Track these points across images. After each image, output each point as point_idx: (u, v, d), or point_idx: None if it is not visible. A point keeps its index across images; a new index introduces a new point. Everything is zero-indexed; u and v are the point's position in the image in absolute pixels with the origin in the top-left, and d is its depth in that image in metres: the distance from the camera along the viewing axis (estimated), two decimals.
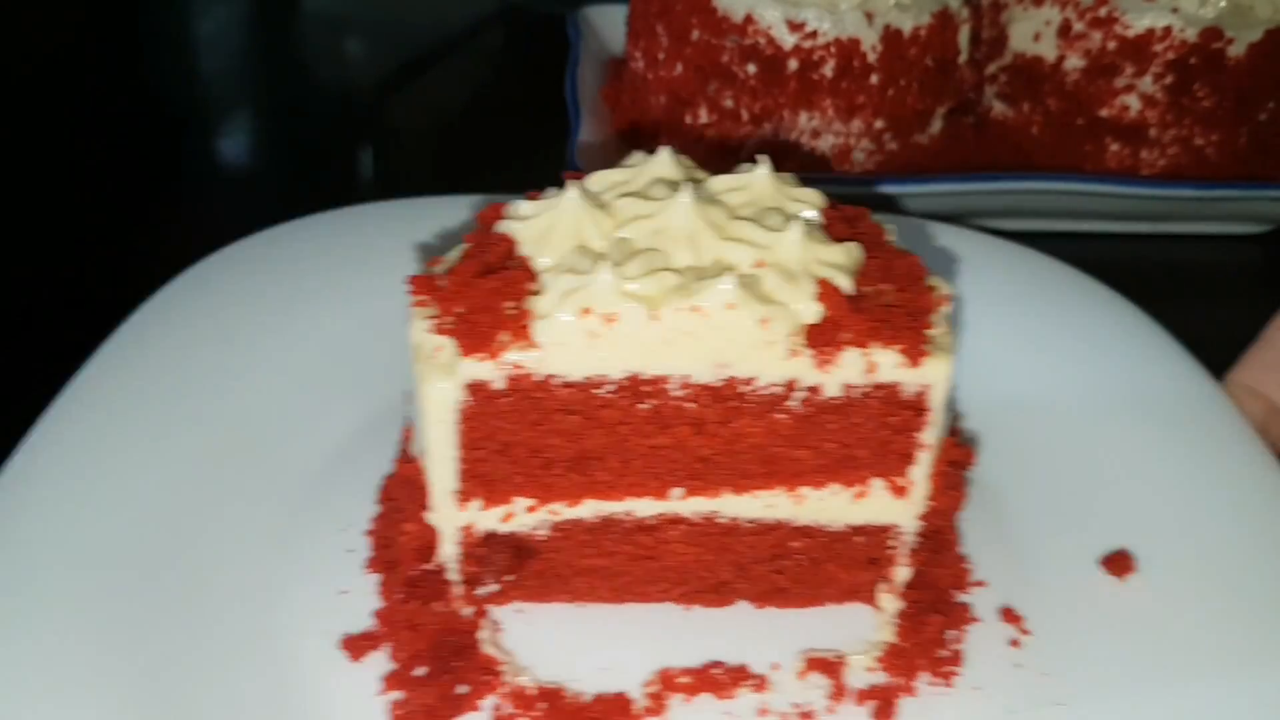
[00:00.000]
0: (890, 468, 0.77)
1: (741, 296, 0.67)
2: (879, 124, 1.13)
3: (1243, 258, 1.18)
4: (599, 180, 0.73)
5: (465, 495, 0.75)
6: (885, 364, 0.71)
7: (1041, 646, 0.75)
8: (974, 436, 0.90)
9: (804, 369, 0.71)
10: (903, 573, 0.80)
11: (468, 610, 0.78)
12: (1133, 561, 0.80)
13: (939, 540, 0.79)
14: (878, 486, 0.78)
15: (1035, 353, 0.94)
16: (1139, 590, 0.79)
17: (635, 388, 0.72)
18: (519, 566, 0.80)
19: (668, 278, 0.67)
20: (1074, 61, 1.13)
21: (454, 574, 0.78)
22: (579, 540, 0.79)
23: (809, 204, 0.73)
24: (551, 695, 0.73)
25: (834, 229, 0.73)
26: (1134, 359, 0.92)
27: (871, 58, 1.10)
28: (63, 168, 1.27)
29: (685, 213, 0.68)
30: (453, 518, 0.76)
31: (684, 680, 0.74)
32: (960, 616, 0.78)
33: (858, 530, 0.80)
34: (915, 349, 0.71)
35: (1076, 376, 0.92)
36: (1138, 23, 1.10)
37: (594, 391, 0.72)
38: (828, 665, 0.75)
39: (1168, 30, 1.09)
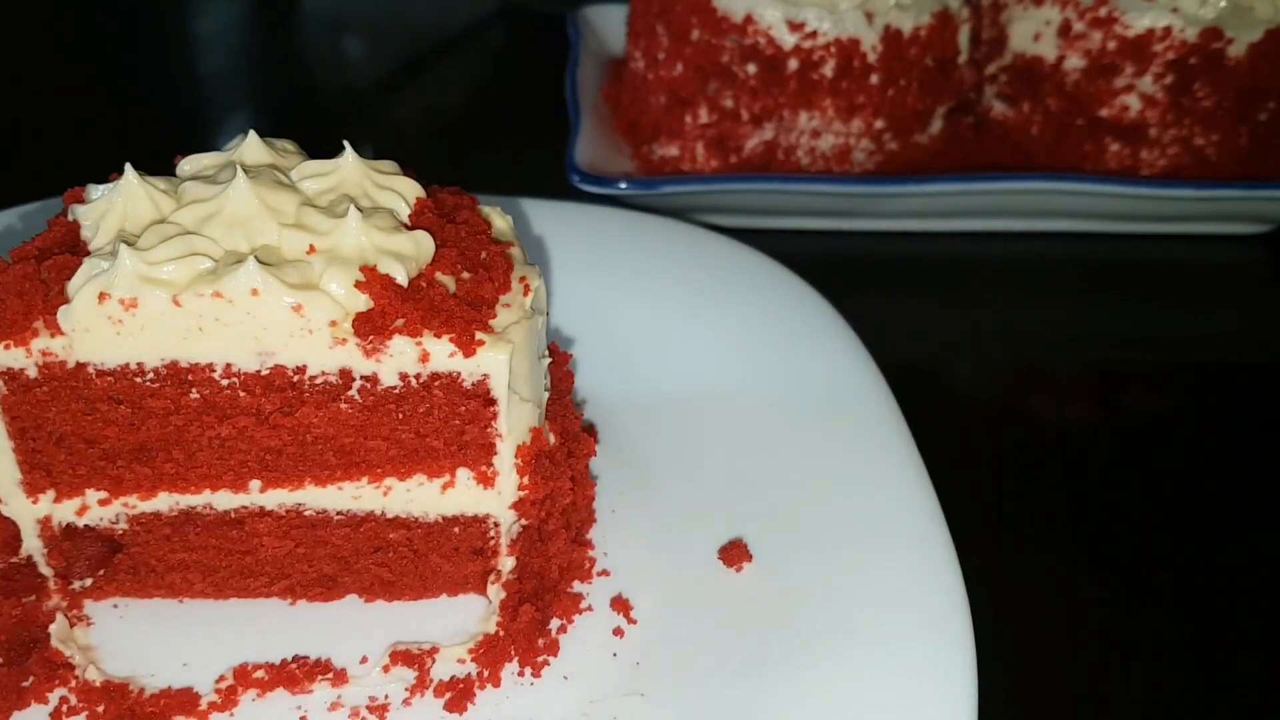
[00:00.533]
0: (472, 458, 0.76)
1: (269, 283, 0.65)
2: (879, 124, 1.13)
3: (1243, 258, 1.18)
4: (191, 163, 0.73)
5: (32, 487, 0.75)
6: (438, 353, 0.70)
7: (643, 636, 0.75)
8: (623, 426, 0.89)
9: (354, 358, 0.70)
10: (508, 563, 0.78)
11: (60, 604, 0.78)
12: (748, 552, 0.78)
13: (543, 531, 0.77)
14: (464, 477, 0.77)
15: (709, 344, 0.93)
16: (751, 581, 0.77)
17: (178, 376, 0.71)
18: (108, 561, 0.79)
19: (196, 263, 0.66)
20: (1074, 61, 1.13)
21: (44, 568, 0.78)
22: (162, 534, 0.78)
23: (399, 193, 0.72)
24: (117, 690, 0.72)
25: (421, 219, 0.72)
26: (808, 352, 0.90)
27: (872, 58, 1.10)
28: (62, 167, 1.26)
29: (241, 197, 0.67)
30: (26, 510, 0.76)
31: (259, 675, 0.74)
32: (569, 606, 0.77)
33: (451, 521, 0.79)
34: (468, 339, 0.70)
35: (745, 367, 0.91)
36: (1138, 23, 1.10)
37: (135, 380, 0.71)
38: (414, 658, 0.75)
39: (1168, 30, 1.09)
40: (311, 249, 0.67)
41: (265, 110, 1.49)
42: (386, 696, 0.73)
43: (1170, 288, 1.15)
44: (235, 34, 1.72)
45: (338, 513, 0.79)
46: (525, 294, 0.73)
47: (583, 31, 1.36)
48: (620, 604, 0.78)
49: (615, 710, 0.71)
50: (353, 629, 0.78)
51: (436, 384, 0.72)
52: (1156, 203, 1.10)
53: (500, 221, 0.77)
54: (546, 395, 0.78)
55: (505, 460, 0.75)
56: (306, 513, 0.78)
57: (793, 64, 1.10)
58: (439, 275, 0.71)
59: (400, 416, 0.73)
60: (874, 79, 1.11)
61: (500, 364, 0.71)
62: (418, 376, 0.71)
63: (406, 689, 0.73)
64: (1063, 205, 1.12)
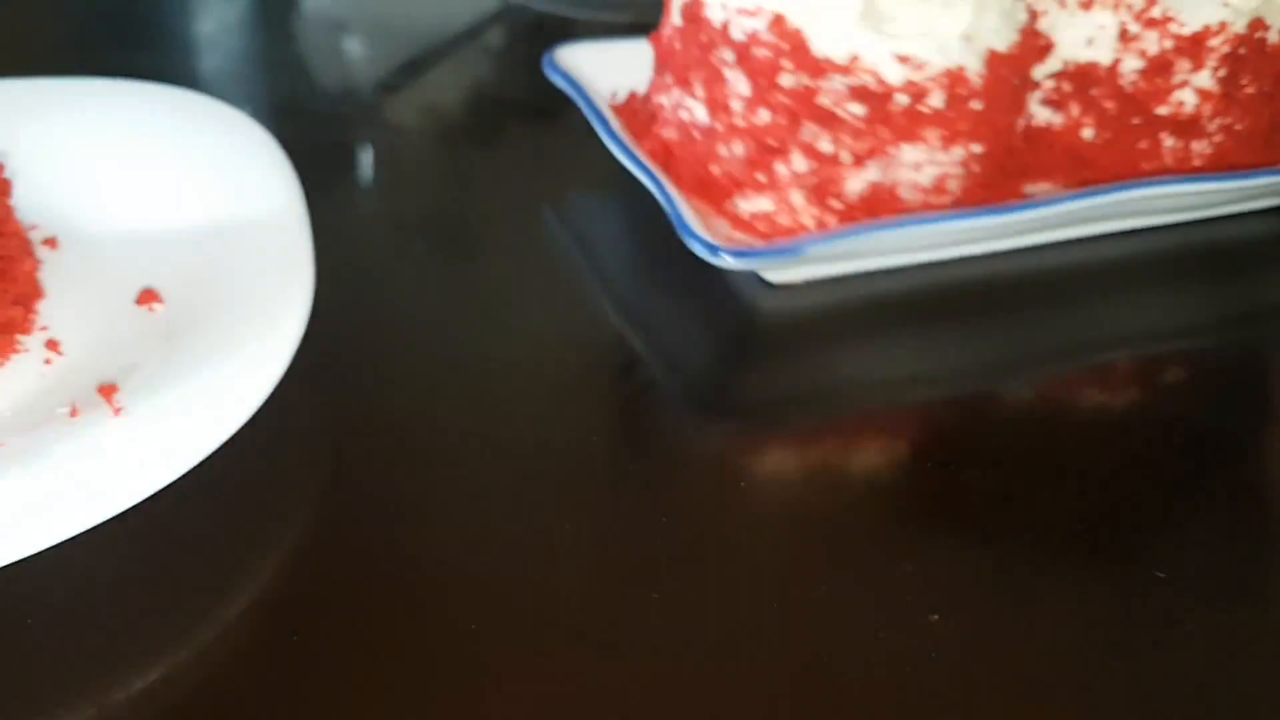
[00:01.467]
0: None
1: None
2: (975, 148, 1.09)
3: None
4: None
5: None
6: None
7: (67, 365, 0.97)
8: (84, 236, 1.11)
9: None
10: None
11: None
12: (159, 296, 1.03)
13: None
14: None
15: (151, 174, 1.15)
16: (157, 314, 1.02)
17: None
18: None
19: None
20: (1131, 63, 1.14)
21: None
22: None
23: None
24: None
25: None
26: (232, 173, 1.13)
27: (976, 83, 1.05)
28: None
29: None
30: None
31: None
32: (4, 347, 0.98)
33: None
34: None
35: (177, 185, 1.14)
36: (1193, 19, 1.13)
37: None
38: None
39: (1223, 25, 1.13)
40: None
41: (265, 110, 1.45)
42: None
43: (1214, 264, 1.20)
44: (235, 34, 1.71)
45: None
46: None
47: (576, 77, 1.23)
48: (52, 344, 1.00)
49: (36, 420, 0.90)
50: None
51: None
52: (1235, 193, 1.14)
53: None
54: None
55: None
56: None
57: (901, 99, 1.04)
58: None
59: None
60: (976, 104, 1.07)
61: None
62: None
63: None
64: (1147, 206, 1.14)
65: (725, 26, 1.07)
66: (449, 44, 1.66)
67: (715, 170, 1.11)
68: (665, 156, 1.14)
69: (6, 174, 1.13)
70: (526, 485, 0.90)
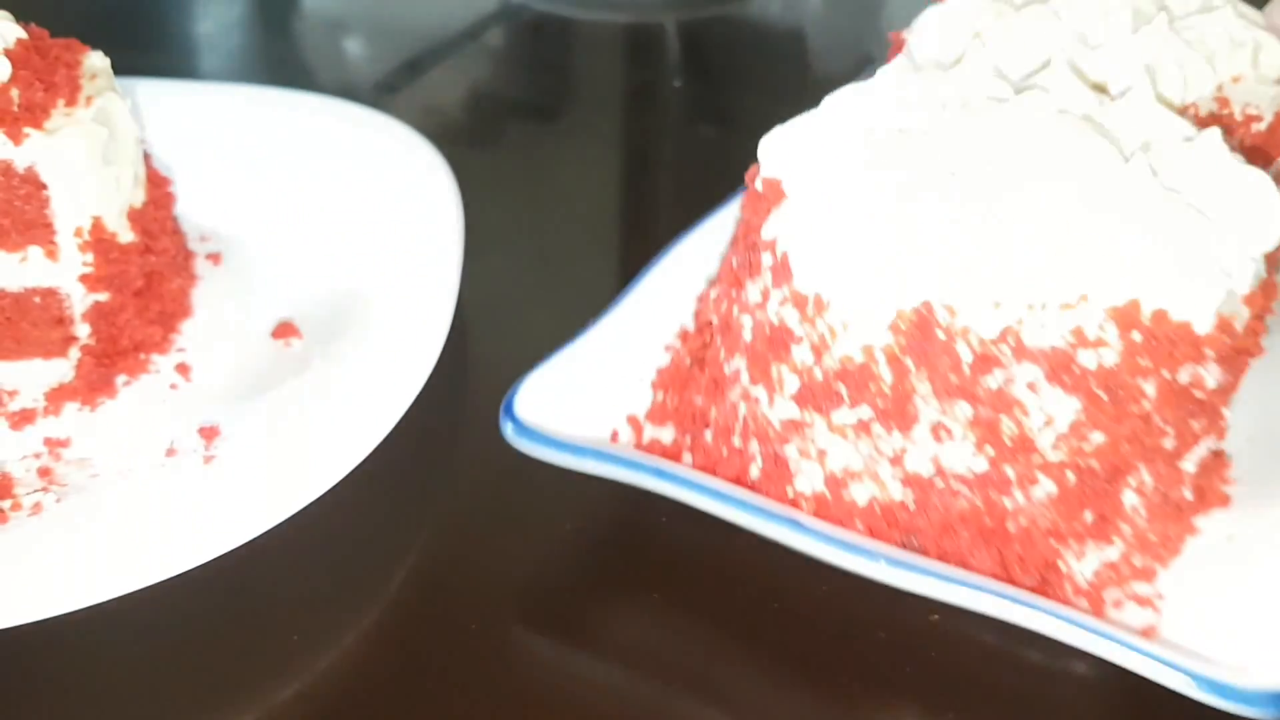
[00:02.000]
0: (37, 236, 1.01)
1: None
2: None
3: None
4: None
5: None
6: None
7: (194, 392, 1.03)
8: (244, 255, 1.18)
9: None
10: (84, 329, 1.04)
11: None
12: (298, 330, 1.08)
13: (113, 306, 1.04)
14: (35, 253, 1.02)
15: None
16: (295, 350, 1.07)
17: None
18: None
19: None
20: None
21: None
22: None
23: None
24: None
25: (12, 52, 0.99)
26: (396, 194, 1.18)
27: None
28: None
29: None
30: None
31: None
32: (135, 366, 1.05)
33: (32, 291, 1.04)
34: (17, 130, 0.96)
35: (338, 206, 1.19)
36: None
37: None
38: (2, 394, 1.02)
39: None
40: None
41: None
42: None
43: None
44: (235, 34, 1.72)
45: None
46: (86, 107, 1.00)
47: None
48: (182, 369, 1.05)
49: (163, 438, 0.96)
50: None
51: None
52: None
53: (99, 63, 1.04)
54: (126, 200, 1.05)
55: (66, 239, 1.01)
56: None
57: None
58: (13, 90, 0.97)
59: None
60: None
61: (44, 153, 0.97)
62: None
63: None
64: None
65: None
66: (449, 44, 1.68)
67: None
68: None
69: (174, 188, 1.15)
70: None
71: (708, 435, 0.93)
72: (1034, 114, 0.84)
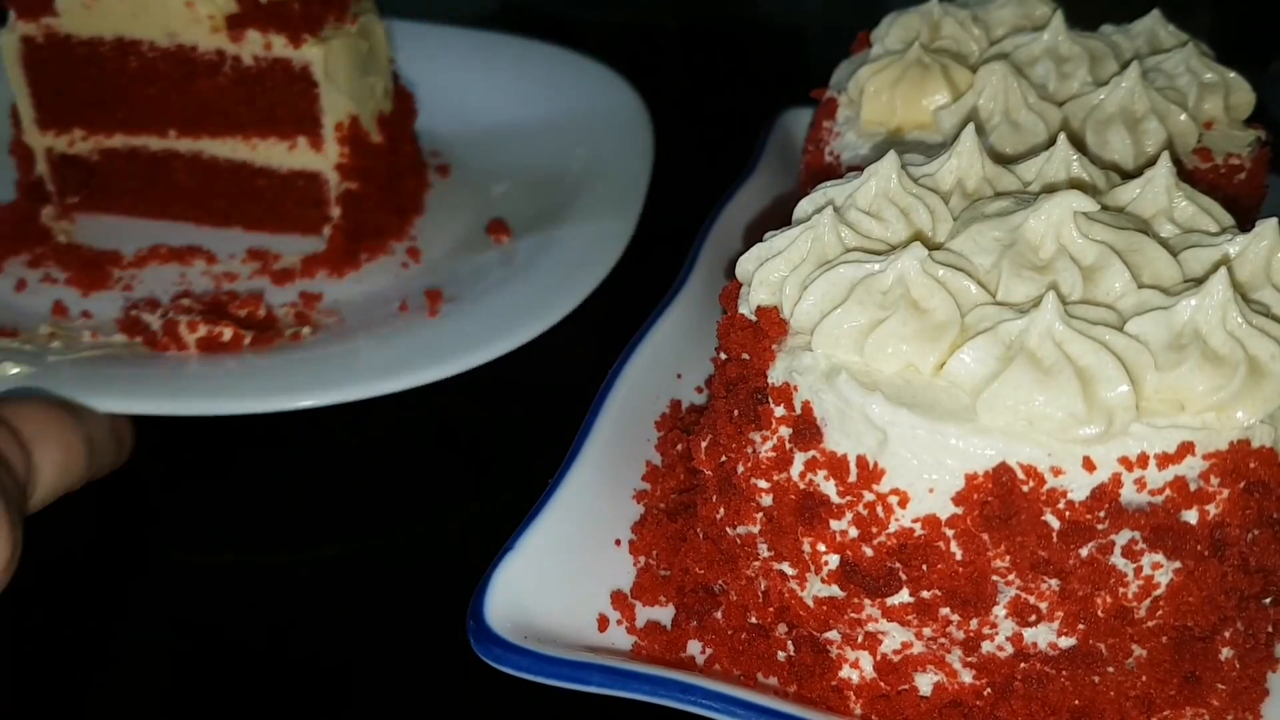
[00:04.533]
0: (306, 128, 1.29)
1: None
2: None
3: None
4: None
5: (41, 125, 1.32)
6: (277, 44, 1.24)
7: (423, 269, 1.30)
8: (470, 166, 1.48)
9: (224, 42, 1.24)
10: (336, 211, 1.32)
11: (57, 212, 1.35)
12: (508, 229, 1.32)
13: (362, 193, 1.31)
14: (302, 142, 1.30)
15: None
16: (506, 246, 1.31)
17: (124, 48, 1.27)
18: (86, 183, 1.36)
19: None
20: None
21: (49, 184, 1.35)
22: (118, 165, 1.35)
23: None
24: (85, 254, 1.29)
25: None
26: (598, 126, 1.44)
27: None
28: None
29: None
30: (37, 141, 1.33)
31: (163, 252, 1.30)
32: (377, 248, 1.32)
33: (297, 175, 1.32)
34: (297, 36, 1.23)
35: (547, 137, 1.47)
36: None
37: (98, 49, 1.27)
38: (262, 255, 1.31)
39: None
40: None
41: None
42: (239, 275, 1.29)
43: None
44: None
45: (224, 160, 1.33)
46: (352, 24, 1.28)
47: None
48: (413, 253, 1.32)
49: (387, 300, 1.23)
50: (230, 240, 1.34)
51: (278, 66, 1.25)
52: None
53: None
54: (377, 106, 1.34)
55: (328, 132, 1.28)
56: (204, 158, 1.33)
57: None
58: (295, 4, 1.23)
59: (258, 89, 1.27)
60: None
61: (317, 57, 1.24)
62: (265, 59, 1.25)
63: (253, 272, 1.29)
64: None
65: None
66: None
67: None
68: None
69: (416, 105, 1.44)
70: None
71: (718, 615, 0.78)
72: (1063, 216, 0.71)
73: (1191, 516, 0.67)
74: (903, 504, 0.68)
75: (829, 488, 0.70)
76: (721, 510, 0.77)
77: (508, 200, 1.38)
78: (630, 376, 0.95)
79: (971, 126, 0.80)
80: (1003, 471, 0.65)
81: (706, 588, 0.80)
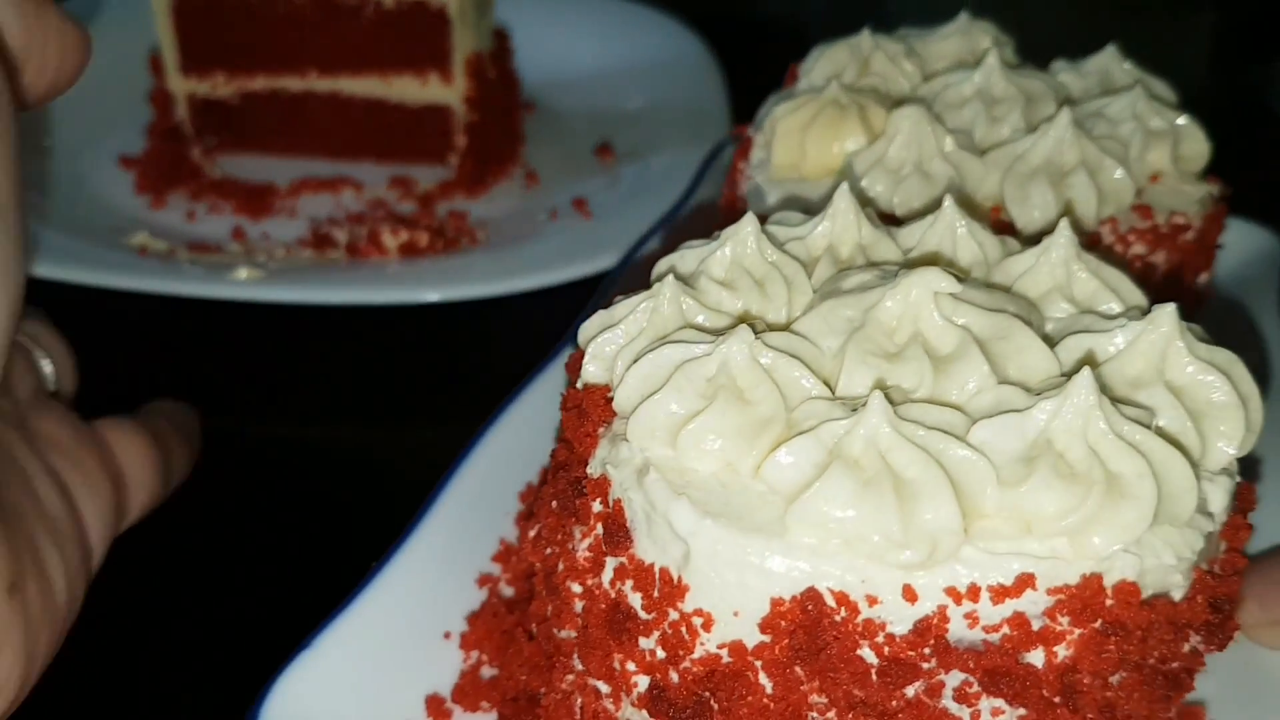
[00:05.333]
0: (438, 64, 1.43)
1: None
2: None
3: None
4: None
5: (185, 70, 1.45)
6: None
7: (543, 192, 1.47)
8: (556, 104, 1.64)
9: None
10: (461, 140, 1.47)
11: (198, 154, 1.50)
12: (614, 150, 1.52)
13: (484, 124, 1.47)
14: (434, 78, 1.44)
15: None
16: (612, 166, 1.51)
17: None
18: (227, 125, 1.49)
19: None
20: None
21: (188, 129, 1.49)
22: (259, 106, 1.47)
23: None
24: (245, 186, 1.44)
25: None
26: (668, 80, 1.61)
27: None
28: None
29: None
30: (180, 85, 1.46)
31: (314, 182, 1.46)
32: (499, 172, 1.50)
33: (428, 108, 1.46)
34: None
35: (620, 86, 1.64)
36: None
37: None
38: (405, 181, 1.47)
39: None
40: None
41: None
42: (387, 200, 1.45)
43: None
44: None
45: (360, 97, 1.47)
46: None
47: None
48: (531, 177, 1.49)
49: (530, 213, 1.41)
50: (367, 170, 1.49)
51: (416, 7, 1.39)
52: None
53: None
54: (488, 45, 1.50)
55: (458, 68, 1.42)
56: (342, 96, 1.47)
57: None
58: None
59: (397, 29, 1.41)
60: None
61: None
62: (406, 1, 1.39)
63: (399, 198, 1.45)
64: None
65: None
66: None
67: None
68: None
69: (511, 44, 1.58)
70: None
71: None
72: (921, 297, 0.62)
73: (1037, 659, 0.57)
74: (706, 626, 0.59)
75: (636, 600, 0.61)
76: (550, 608, 0.70)
77: (592, 131, 1.55)
78: (498, 438, 0.88)
79: (845, 186, 0.71)
80: (811, 598, 0.56)
81: (532, 695, 0.72)
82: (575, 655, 0.66)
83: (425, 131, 1.48)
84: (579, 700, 0.67)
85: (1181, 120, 0.92)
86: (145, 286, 1.18)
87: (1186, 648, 0.61)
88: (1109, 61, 0.99)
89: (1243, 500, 0.63)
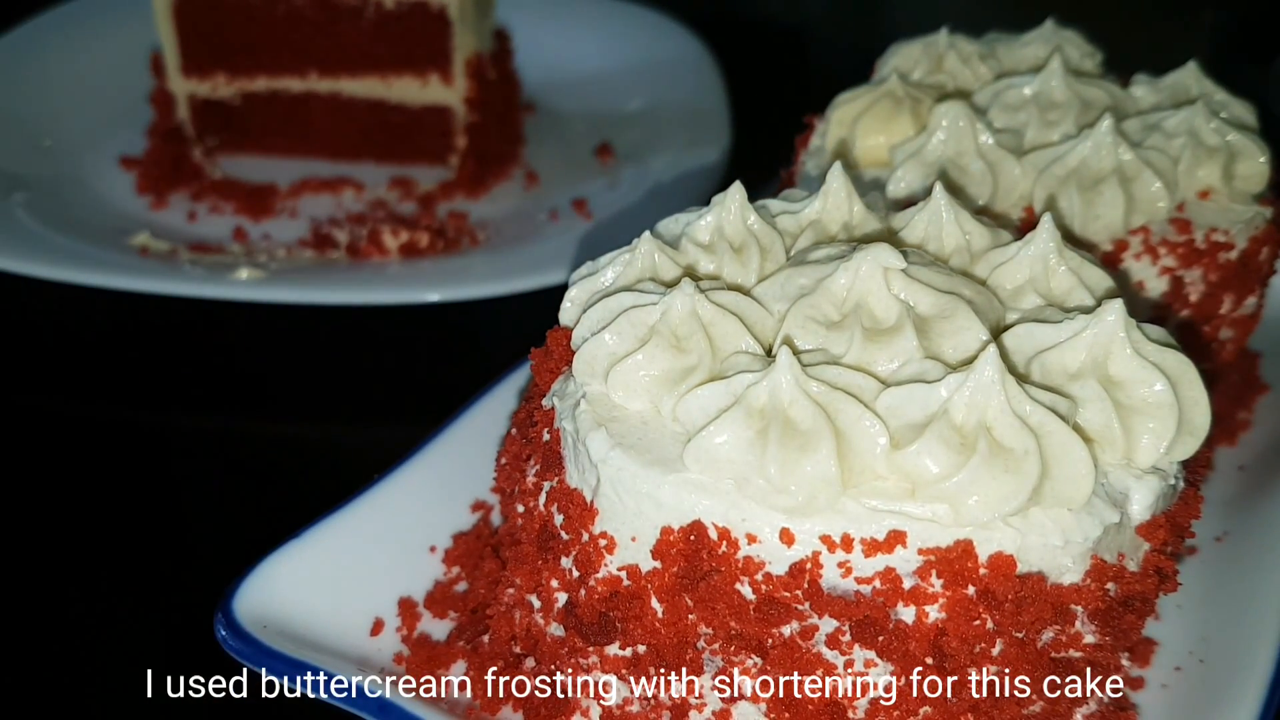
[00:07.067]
0: (438, 65, 1.42)
1: None
2: None
3: None
4: None
5: (186, 71, 1.44)
6: None
7: (544, 192, 1.49)
8: (555, 106, 1.65)
9: None
10: (461, 141, 1.47)
11: (199, 154, 1.48)
12: (613, 151, 1.52)
13: (484, 124, 1.46)
14: (434, 79, 1.43)
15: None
16: (610, 167, 1.51)
17: None
18: (227, 125, 1.49)
19: None
20: None
21: (189, 130, 1.48)
22: (258, 107, 1.47)
23: None
24: (245, 187, 1.44)
25: None
26: (664, 78, 1.62)
27: None
28: None
29: None
30: (180, 86, 1.45)
31: (315, 183, 1.47)
32: (499, 172, 1.48)
33: (428, 109, 1.45)
34: None
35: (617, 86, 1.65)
36: None
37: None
38: (405, 182, 1.48)
39: None
40: None
41: None
42: (388, 201, 1.45)
43: None
44: None
45: (360, 98, 1.46)
46: None
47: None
48: (531, 177, 1.49)
49: (529, 213, 1.41)
50: (368, 171, 1.49)
51: (417, 9, 1.38)
52: None
53: None
54: (488, 46, 1.50)
55: (458, 69, 1.42)
56: (342, 97, 1.46)
57: None
58: None
59: (398, 30, 1.40)
60: None
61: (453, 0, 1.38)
62: (406, 2, 1.38)
63: (399, 199, 1.45)
64: None
65: None
66: None
67: None
68: None
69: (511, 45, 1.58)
70: None
71: (485, 639, 0.76)
72: (870, 271, 0.66)
73: (908, 616, 0.60)
74: (610, 549, 0.64)
75: (559, 521, 0.67)
76: (510, 534, 0.76)
77: (592, 132, 1.55)
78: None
79: (839, 165, 0.76)
80: (696, 529, 0.61)
81: (484, 611, 0.77)
82: (514, 574, 0.72)
83: (426, 132, 1.49)
84: (518, 614, 0.73)
85: (1234, 137, 0.91)
86: (146, 287, 1.19)
87: (1090, 639, 0.63)
88: (1185, 76, 0.98)
89: (1181, 505, 0.65)
